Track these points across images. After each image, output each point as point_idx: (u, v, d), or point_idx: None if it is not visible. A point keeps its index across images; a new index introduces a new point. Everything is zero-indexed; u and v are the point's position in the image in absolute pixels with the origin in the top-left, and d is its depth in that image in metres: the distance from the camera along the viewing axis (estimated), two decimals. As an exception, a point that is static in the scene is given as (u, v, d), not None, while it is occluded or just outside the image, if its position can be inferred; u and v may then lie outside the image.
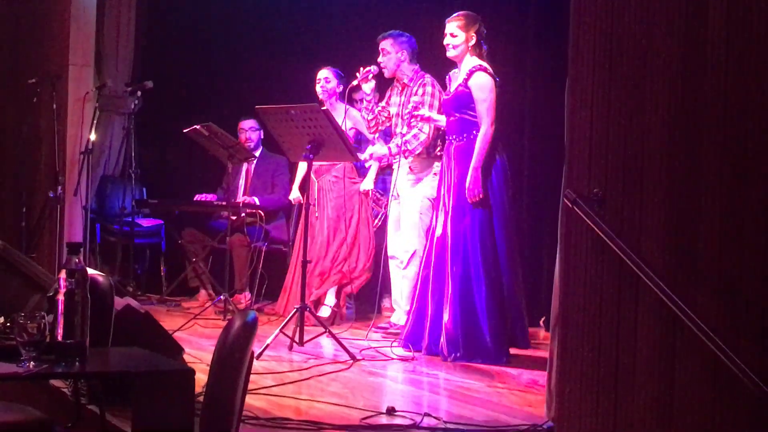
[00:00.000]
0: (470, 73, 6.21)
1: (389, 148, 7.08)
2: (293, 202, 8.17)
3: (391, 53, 7.00)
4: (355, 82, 7.04)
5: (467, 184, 6.12)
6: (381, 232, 7.56)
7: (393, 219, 7.22)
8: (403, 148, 6.87)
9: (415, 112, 6.73)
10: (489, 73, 6.20)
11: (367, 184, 7.60)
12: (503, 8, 7.85)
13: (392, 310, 7.38)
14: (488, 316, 6.07)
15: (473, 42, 6.27)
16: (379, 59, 7.07)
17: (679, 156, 3.46)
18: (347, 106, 7.44)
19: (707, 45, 3.38)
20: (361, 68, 7.04)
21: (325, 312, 7.52)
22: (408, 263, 7.01)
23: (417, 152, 6.88)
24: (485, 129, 6.14)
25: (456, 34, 6.29)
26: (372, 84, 7.11)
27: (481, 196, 6.12)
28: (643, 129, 3.57)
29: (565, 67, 3.91)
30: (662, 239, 3.49)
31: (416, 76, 7.03)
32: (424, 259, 6.46)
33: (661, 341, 3.48)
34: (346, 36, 8.86)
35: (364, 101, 7.25)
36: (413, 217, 6.98)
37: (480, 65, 6.22)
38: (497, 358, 6.03)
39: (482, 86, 6.17)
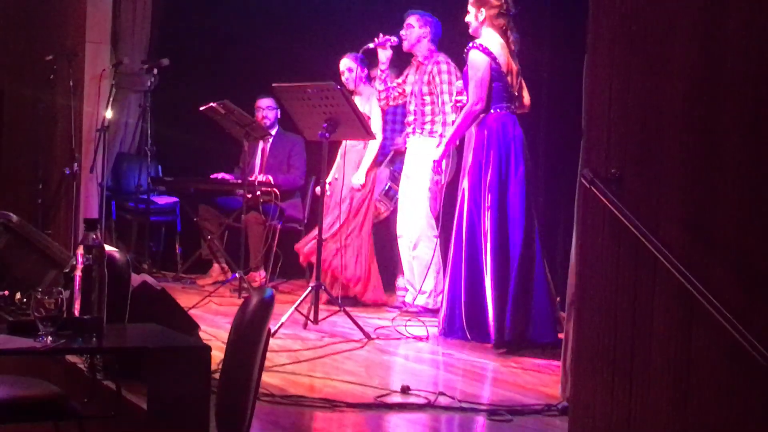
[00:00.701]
0: (466, 53, 6.20)
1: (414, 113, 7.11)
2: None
3: (415, 27, 7.04)
4: (371, 45, 7.04)
5: (434, 157, 6.25)
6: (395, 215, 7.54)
7: (403, 199, 7.22)
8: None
9: (459, 97, 6.69)
10: (483, 50, 6.12)
11: (359, 178, 7.53)
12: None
13: (405, 289, 7.38)
14: (466, 298, 6.03)
15: (483, 17, 6.21)
16: (402, 32, 7.07)
17: (698, 136, 3.44)
18: (373, 90, 7.43)
19: (728, 24, 3.35)
20: (381, 34, 7.04)
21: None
22: (416, 244, 7.01)
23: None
24: (468, 107, 6.11)
25: (469, 11, 6.29)
26: (388, 53, 7.12)
27: (440, 172, 6.28)
28: (662, 108, 3.55)
29: (583, 44, 3.89)
30: (680, 219, 3.47)
31: (430, 55, 7.05)
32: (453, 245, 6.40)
33: (677, 321, 3.47)
34: (364, 14, 8.83)
35: (378, 71, 7.25)
36: (422, 198, 6.98)
37: (474, 43, 6.18)
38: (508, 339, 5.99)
39: (471, 63, 6.15)
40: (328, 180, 7.36)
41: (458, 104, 6.68)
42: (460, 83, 6.82)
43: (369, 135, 6.81)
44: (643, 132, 3.60)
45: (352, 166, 7.54)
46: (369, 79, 7.67)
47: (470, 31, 6.32)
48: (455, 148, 6.80)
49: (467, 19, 6.30)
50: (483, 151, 6.07)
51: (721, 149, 3.37)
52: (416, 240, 7.03)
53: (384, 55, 7.14)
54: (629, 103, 3.65)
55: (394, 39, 7.06)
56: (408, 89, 7.18)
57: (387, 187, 7.73)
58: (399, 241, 7.26)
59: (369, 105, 7.45)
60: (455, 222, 6.18)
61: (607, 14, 3.74)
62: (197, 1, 9.56)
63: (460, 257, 6.10)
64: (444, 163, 6.56)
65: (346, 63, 7.65)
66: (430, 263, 6.96)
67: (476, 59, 6.12)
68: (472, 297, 6.02)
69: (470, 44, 6.19)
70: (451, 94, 6.81)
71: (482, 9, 6.22)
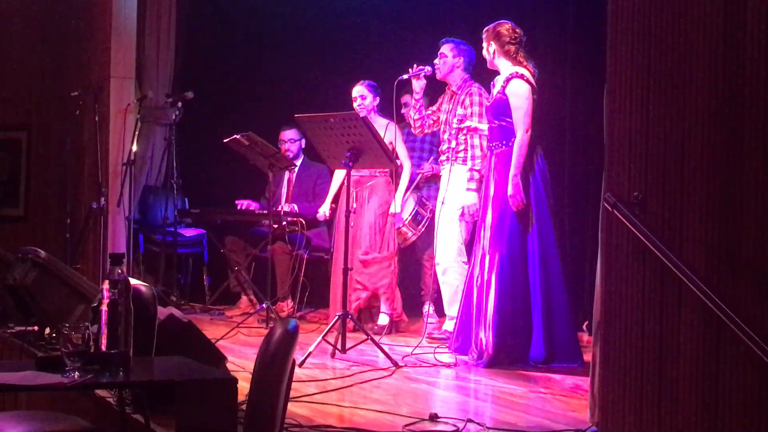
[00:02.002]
0: (507, 80, 6.20)
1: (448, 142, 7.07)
2: (320, 219, 8.18)
3: (448, 57, 7.02)
4: (405, 77, 7.01)
5: (509, 192, 6.10)
6: (426, 236, 7.54)
7: (439, 225, 7.20)
8: (475, 169, 6.89)
9: (461, 125, 6.74)
10: (526, 80, 6.18)
11: (397, 207, 7.58)
12: (541, 13, 7.85)
13: (433, 315, 7.37)
14: (522, 322, 6.07)
15: (494, 47, 6.27)
16: (435, 61, 7.08)
17: (719, 157, 3.44)
18: (389, 122, 7.43)
19: (746, 46, 3.35)
20: (415, 65, 7.05)
21: (383, 320, 7.55)
22: (446, 271, 6.98)
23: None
24: (520, 136, 6.13)
25: (483, 45, 6.34)
26: (422, 83, 7.11)
27: (524, 203, 6.10)
28: (683, 131, 3.55)
29: (604, 71, 3.90)
30: (704, 241, 3.47)
31: (464, 85, 7.02)
32: (470, 267, 6.40)
33: (704, 344, 3.45)
34: (385, 46, 8.87)
35: (413, 100, 7.25)
36: (454, 226, 6.96)
37: (516, 72, 6.20)
38: (539, 361, 6.03)
39: (517, 94, 6.16)
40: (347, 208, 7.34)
41: (461, 132, 6.74)
42: (461, 110, 6.86)
43: (392, 163, 6.84)
44: (665, 155, 3.60)
45: (371, 194, 7.60)
46: (380, 110, 7.65)
47: (491, 66, 6.35)
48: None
49: (484, 53, 6.34)
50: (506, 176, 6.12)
51: (743, 170, 3.36)
52: (446, 266, 7.00)
53: (418, 85, 7.13)
54: (650, 126, 3.66)
55: (427, 69, 7.03)
56: (442, 117, 7.17)
57: (414, 213, 7.72)
58: (437, 267, 7.23)
59: (386, 135, 7.38)
60: (496, 249, 6.17)
61: (626, 41, 3.75)
62: (220, 34, 9.64)
63: (501, 283, 6.14)
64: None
65: (358, 90, 7.65)
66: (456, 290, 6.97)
67: (520, 88, 6.17)
68: (513, 321, 6.08)
69: (511, 73, 6.20)
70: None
71: (492, 42, 6.28)
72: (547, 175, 6.28)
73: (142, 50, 9.07)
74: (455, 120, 6.90)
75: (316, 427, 4.42)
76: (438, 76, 7.10)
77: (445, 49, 7.07)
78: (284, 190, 8.69)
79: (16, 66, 9.23)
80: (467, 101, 6.95)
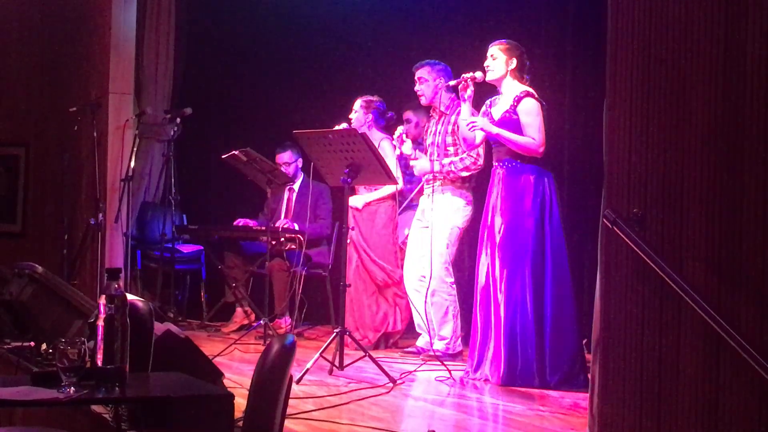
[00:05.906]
0: (518, 99, 6.20)
1: (432, 163, 7.02)
2: None
3: (429, 80, 7.03)
4: (452, 83, 6.84)
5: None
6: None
7: (413, 243, 7.18)
8: (447, 170, 6.88)
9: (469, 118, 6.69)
10: (536, 99, 6.21)
11: (357, 201, 7.62)
12: (541, 30, 7.87)
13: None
14: (534, 340, 6.04)
15: (513, 66, 6.25)
16: (416, 87, 7.08)
17: (720, 174, 3.43)
18: (383, 138, 7.44)
19: (747, 61, 3.35)
20: (395, 134, 7.15)
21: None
22: (434, 291, 6.93)
23: (462, 174, 6.88)
24: (535, 144, 6.13)
25: (497, 56, 6.29)
26: (409, 143, 7.23)
27: (475, 125, 6.27)
28: (683, 147, 3.54)
29: (603, 87, 3.89)
30: (704, 258, 3.45)
31: (453, 105, 7.01)
32: (479, 287, 6.33)
33: (704, 362, 3.44)
34: (381, 64, 8.88)
35: (403, 135, 7.32)
36: (441, 246, 6.93)
37: (527, 91, 6.22)
38: (550, 381, 5.99)
39: (529, 111, 6.18)
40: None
41: (447, 150, 6.80)
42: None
43: (391, 179, 6.81)
44: (665, 171, 3.59)
45: (368, 214, 7.62)
46: (380, 126, 7.67)
47: (491, 77, 6.30)
48: (473, 197, 6.87)
49: (490, 64, 6.29)
50: (539, 198, 6.13)
51: (744, 187, 3.35)
52: (434, 288, 6.95)
53: (407, 147, 7.27)
54: (650, 142, 3.65)
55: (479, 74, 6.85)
56: (429, 140, 7.16)
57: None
58: (407, 284, 7.21)
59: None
60: (506, 266, 6.14)
61: (626, 54, 3.74)
62: (219, 51, 9.65)
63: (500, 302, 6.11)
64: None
65: (355, 105, 7.73)
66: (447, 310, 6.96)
67: (534, 106, 6.20)
68: (512, 340, 6.04)
69: (522, 91, 6.20)
70: None
71: (513, 59, 6.26)
72: (556, 195, 6.24)
73: (141, 66, 9.08)
74: (449, 137, 6.92)
75: (313, 444, 4.40)
76: (424, 102, 7.14)
77: (423, 73, 7.07)
78: (283, 207, 8.68)
79: (14, 82, 9.24)
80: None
